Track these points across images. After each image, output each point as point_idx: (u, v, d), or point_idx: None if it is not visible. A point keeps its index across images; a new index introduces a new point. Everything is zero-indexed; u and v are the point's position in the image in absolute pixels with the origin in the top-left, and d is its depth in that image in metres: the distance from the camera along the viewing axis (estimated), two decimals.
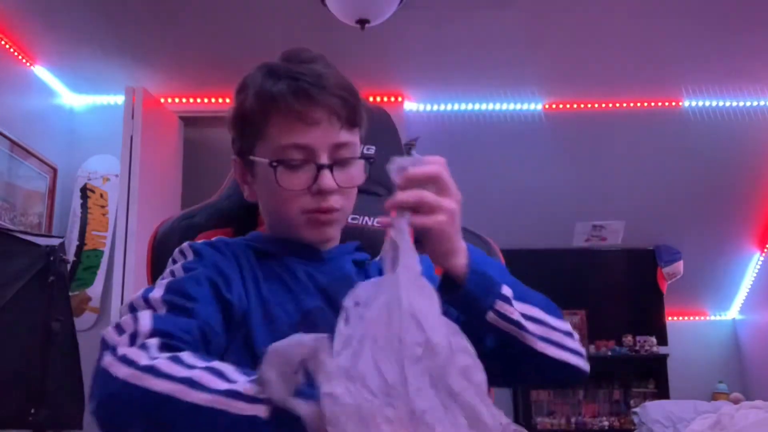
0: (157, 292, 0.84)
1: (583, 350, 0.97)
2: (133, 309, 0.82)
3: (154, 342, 0.75)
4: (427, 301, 0.73)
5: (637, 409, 4.35)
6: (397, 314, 0.70)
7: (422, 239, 0.84)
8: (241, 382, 0.69)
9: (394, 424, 0.64)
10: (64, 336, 2.86)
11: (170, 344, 0.76)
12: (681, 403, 4.25)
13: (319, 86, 0.95)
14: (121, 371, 0.72)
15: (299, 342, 0.67)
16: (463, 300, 0.88)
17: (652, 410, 4.18)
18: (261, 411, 0.66)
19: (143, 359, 0.72)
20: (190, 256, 0.94)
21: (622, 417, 4.78)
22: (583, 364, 0.96)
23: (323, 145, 0.96)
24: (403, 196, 0.83)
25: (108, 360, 0.74)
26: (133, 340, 0.76)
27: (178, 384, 0.69)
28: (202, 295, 0.86)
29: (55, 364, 2.76)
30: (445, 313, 0.74)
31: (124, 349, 0.74)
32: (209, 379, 0.69)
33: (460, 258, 0.87)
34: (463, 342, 0.73)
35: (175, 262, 0.95)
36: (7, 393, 2.65)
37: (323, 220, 0.98)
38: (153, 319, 0.79)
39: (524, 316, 0.90)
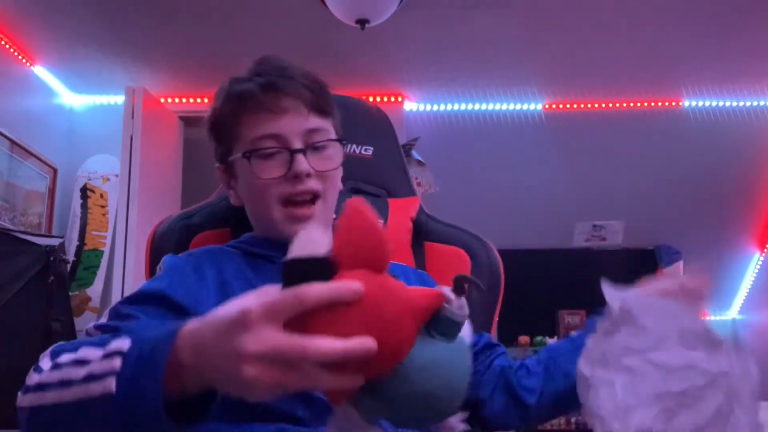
0: (101, 320, 0.84)
1: None
2: None
3: (45, 356, 0.74)
4: None
5: None
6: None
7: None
8: (95, 360, 0.66)
9: None
10: (64, 336, 2.85)
11: (59, 349, 0.73)
12: None
13: (283, 77, 0.98)
14: (25, 400, 0.71)
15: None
16: None
17: None
18: (111, 385, 0.63)
19: (33, 378, 0.71)
20: (159, 272, 0.96)
21: None
22: None
23: (294, 131, 0.97)
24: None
25: (19, 397, 0.73)
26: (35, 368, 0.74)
27: (55, 390, 0.68)
28: (142, 310, 0.84)
29: None
30: None
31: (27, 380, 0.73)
32: (74, 373, 0.67)
33: None
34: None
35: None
36: (7, 393, 2.64)
37: (299, 215, 0.96)
38: (55, 346, 0.76)
39: None
